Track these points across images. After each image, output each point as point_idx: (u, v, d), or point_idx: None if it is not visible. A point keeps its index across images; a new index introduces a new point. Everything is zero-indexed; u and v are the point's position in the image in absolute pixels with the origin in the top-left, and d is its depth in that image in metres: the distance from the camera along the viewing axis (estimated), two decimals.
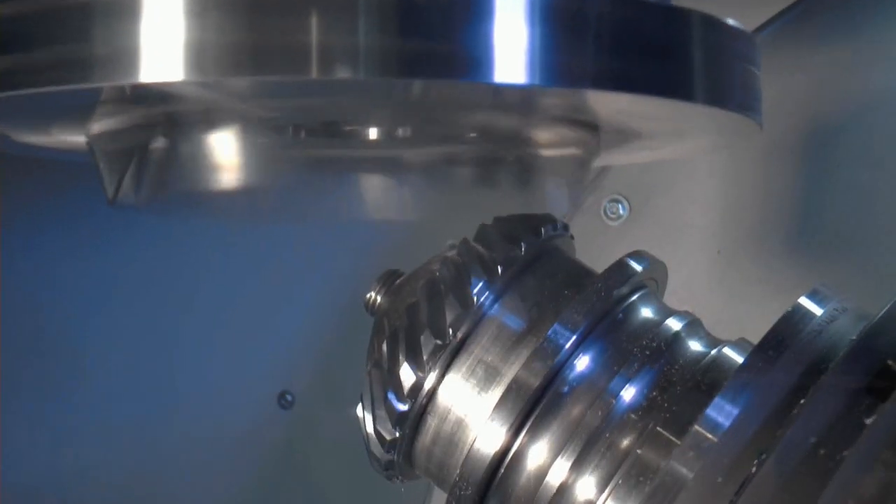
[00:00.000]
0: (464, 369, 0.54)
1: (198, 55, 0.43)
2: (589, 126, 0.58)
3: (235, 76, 0.44)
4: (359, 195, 0.61)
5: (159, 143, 0.56)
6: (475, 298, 0.54)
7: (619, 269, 0.55)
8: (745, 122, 0.54)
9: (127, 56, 0.44)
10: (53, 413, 0.89)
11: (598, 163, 0.63)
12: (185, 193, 0.59)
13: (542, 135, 0.58)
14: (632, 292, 0.55)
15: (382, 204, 0.61)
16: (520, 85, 0.46)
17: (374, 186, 0.61)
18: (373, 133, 0.59)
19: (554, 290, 0.55)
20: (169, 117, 0.55)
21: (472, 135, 0.58)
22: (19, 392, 0.86)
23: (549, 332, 0.52)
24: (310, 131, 0.58)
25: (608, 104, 0.54)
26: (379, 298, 0.59)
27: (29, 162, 0.70)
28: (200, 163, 0.56)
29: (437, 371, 0.54)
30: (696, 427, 0.47)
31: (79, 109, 0.55)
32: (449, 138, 0.59)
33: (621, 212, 0.85)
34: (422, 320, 0.54)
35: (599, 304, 0.53)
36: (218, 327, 0.93)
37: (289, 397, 0.94)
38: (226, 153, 0.56)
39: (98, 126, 0.58)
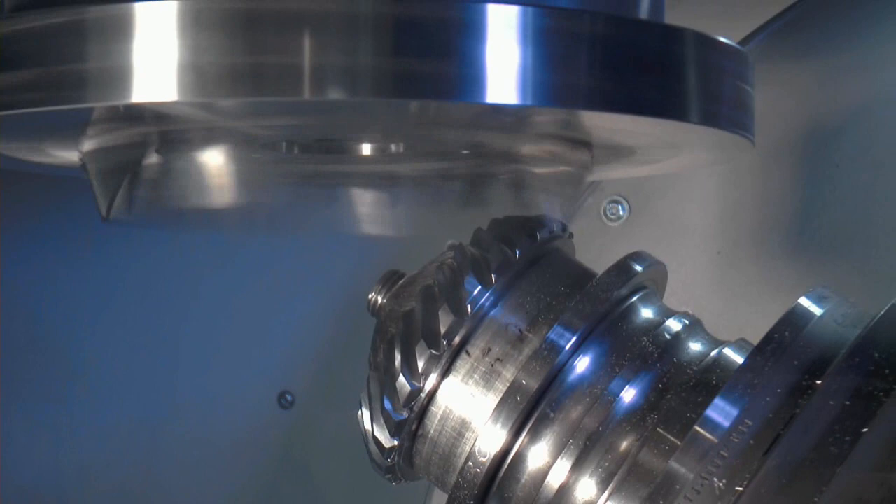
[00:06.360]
0: (463, 372, 0.54)
1: (191, 76, 0.43)
2: (582, 143, 0.58)
3: (229, 97, 0.44)
4: (351, 210, 0.61)
5: (152, 159, 0.56)
6: (471, 303, 0.54)
7: (619, 270, 0.55)
8: (738, 139, 0.54)
9: (120, 76, 0.44)
10: (53, 413, 0.89)
11: (592, 177, 0.63)
12: (178, 209, 0.58)
13: (535, 152, 0.58)
14: (632, 293, 0.55)
15: (375, 219, 0.61)
16: (512, 105, 0.46)
17: (366, 202, 0.61)
18: (365, 149, 0.59)
19: (553, 292, 0.55)
20: (162, 135, 0.55)
21: (465, 152, 0.58)
22: (19, 393, 0.86)
23: (549, 333, 0.52)
24: (303, 147, 0.58)
25: (601, 122, 0.54)
26: (380, 299, 0.59)
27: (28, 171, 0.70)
28: (193, 179, 0.55)
29: (436, 375, 0.54)
30: (697, 427, 0.47)
31: (72, 128, 0.55)
32: (441, 155, 0.59)
33: (621, 212, 0.85)
34: (417, 328, 0.54)
35: (599, 305, 0.53)
36: (218, 328, 0.93)
37: (289, 397, 0.94)
38: (218, 170, 0.55)
39: (91, 144, 0.57)
